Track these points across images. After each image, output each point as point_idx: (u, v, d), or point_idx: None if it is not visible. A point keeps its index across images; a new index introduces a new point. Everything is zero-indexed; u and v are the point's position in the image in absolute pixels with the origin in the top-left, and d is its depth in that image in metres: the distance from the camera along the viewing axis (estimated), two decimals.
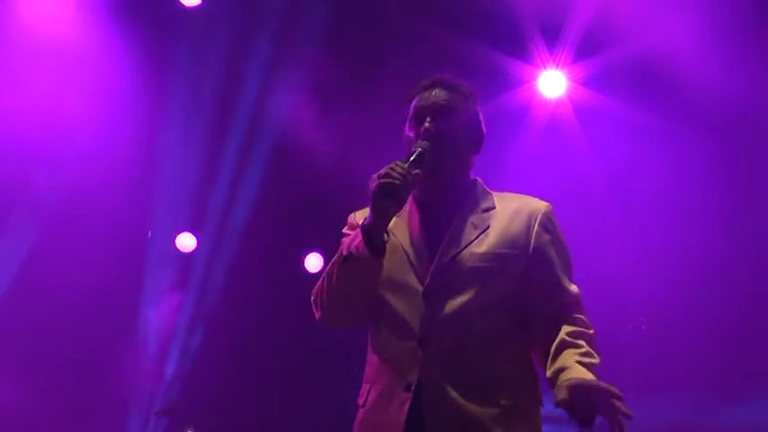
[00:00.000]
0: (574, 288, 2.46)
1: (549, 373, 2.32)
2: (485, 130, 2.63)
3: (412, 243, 2.48)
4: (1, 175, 5.86)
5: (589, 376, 2.23)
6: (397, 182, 2.31)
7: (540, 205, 2.53)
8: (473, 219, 2.49)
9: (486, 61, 5.92)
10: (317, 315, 2.54)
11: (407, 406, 2.32)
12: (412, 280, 2.43)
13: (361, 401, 2.48)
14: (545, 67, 6.10)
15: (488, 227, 2.47)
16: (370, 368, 2.49)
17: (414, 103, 2.56)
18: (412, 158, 2.39)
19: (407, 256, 2.46)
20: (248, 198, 6.50)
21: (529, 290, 2.43)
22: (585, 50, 6.02)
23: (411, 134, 2.54)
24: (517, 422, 2.36)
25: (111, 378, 6.44)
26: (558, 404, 2.23)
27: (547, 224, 2.49)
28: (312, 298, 2.54)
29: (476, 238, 2.45)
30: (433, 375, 2.33)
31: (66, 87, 5.73)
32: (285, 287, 6.43)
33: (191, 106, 6.21)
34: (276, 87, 6.23)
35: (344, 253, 2.39)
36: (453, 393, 2.32)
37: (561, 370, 2.26)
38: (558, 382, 2.24)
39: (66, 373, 6.26)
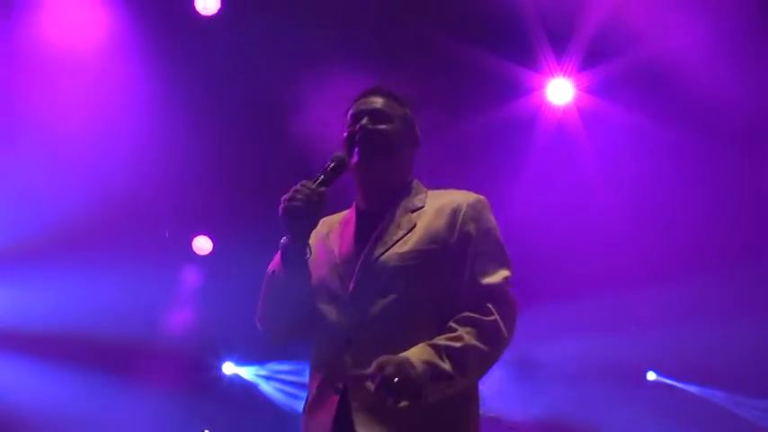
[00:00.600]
0: (492, 279, 2.40)
1: None
2: (419, 136, 2.66)
3: (341, 250, 2.50)
4: (32, 180, 6.05)
5: (415, 354, 2.23)
6: (299, 204, 2.36)
7: (466, 198, 2.51)
8: (401, 220, 2.50)
9: (495, 70, 6.05)
10: (262, 334, 2.60)
11: (335, 407, 2.33)
12: (338, 285, 2.45)
13: (302, 408, 2.52)
14: (553, 76, 6.24)
15: (414, 226, 2.47)
16: (309, 375, 2.53)
17: (351, 109, 2.63)
18: (321, 176, 2.44)
19: (336, 263, 2.48)
20: (268, 203, 6.63)
21: (453, 281, 2.41)
22: (593, 59, 6.14)
23: (345, 134, 2.59)
24: (445, 419, 2.33)
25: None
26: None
27: (472, 216, 2.46)
28: (256, 319, 2.59)
29: (400, 239, 2.45)
30: (359, 376, 2.30)
31: (90, 98, 5.90)
32: None
33: (209, 113, 6.34)
34: (297, 94, 6.31)
35: (269, 273, 2.48)
36: (374, 398, 2.25)
37: None
38: None
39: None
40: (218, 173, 6.65)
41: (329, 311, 2.44)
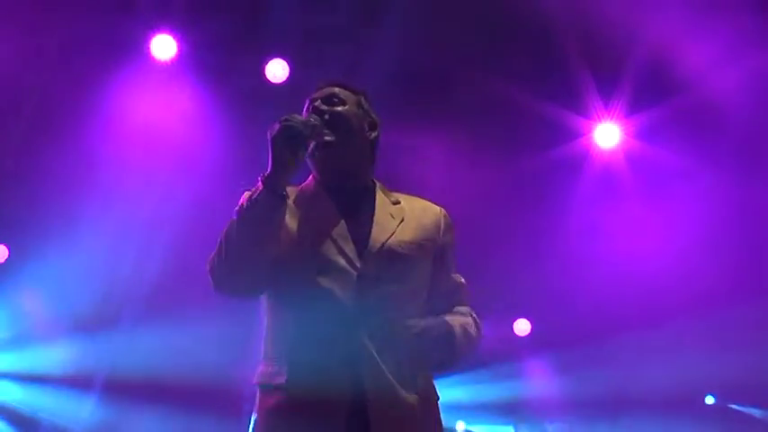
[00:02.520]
0: (463, 281, 2.65)
1: None
2: (378, 122, 2.64)
3: (332, 224, 2.44)
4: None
5: (439, 322, 2.43)
6: (299, 127, 2.32)
7: (440, 208, 2.65)
8: (389, 208, 2.55)
9: (545, 114, 6.36)
10: (214, 285, 2.41)
11: (349, 384, 2.30)
12: (342, 262, 2.39)
13: (274, 381, 2.37)
14: (600, 120, 6.54)
15: (403, 218, 2.53)
16: (285, 345, 2.39)
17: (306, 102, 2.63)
18: (310, 120, 2.42)
19: (331, 237, 2.42)
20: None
21: (434, 280, 2.55)
22: (639, 103, 6.41)
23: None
24: (431, 408, 2.45)
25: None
26: None
27: (450, 225, 2.63)
28: (208, 268, 2.41)
29: (397, 227, 2.50)
30: (372, 355, 2.32)
31: (176, 167, 6.49)
32: None
33: None
34: None
35: (240, 207, 2.34)
36: (387, 374, 2.33)
37: None
38: None
39: None
40: None
41: (330, 285, 2.36)
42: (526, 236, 7.06)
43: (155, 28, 6.07)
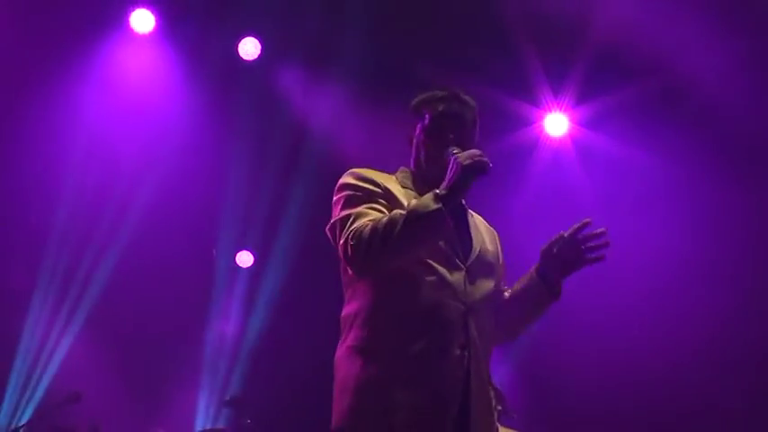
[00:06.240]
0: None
1: (522, 286, 2.81)
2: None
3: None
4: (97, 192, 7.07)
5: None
6: (491, 165, 2.58)
7: (495, 229, 2.97)
8: (473, 219, 2.87)
9: (497, 103, 6.59)
10: (360, 259, 2.55)
11: (464, 362, 2.58)
12: (454, 257, 2.67)
13: (388, 348, 2.56)
14: (550, 111, 6.94)
15: (481, 231, 2.85)
16: (400, 320, 2.58)
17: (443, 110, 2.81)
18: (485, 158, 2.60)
19: (445, 236, 2.65)
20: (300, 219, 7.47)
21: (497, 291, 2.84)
22: (587, 94, 6.77)
23: (449, 133, 2.77)
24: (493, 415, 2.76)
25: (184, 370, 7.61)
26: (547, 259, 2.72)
27: (502, 247, 2.96)
28: (352, 245, 2.54)
29: (483, 237, 2.83)
30: (477, 341, 2.63)
31: (148, 124, 6.93)
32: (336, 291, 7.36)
33: (253, 143, 7.27)
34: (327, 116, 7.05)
35: (414, 213, 2.51)
36: (484, 362, 2.68)
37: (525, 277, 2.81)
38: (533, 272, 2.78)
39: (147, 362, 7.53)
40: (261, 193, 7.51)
41: (447, 275, 2.63)
42: None
43: (134, 2, 6.44)
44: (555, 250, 2.71)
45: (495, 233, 2.95)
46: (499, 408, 5.90)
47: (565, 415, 6.98)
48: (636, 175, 6.95)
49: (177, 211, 7.32)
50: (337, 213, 2.67)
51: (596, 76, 6.53)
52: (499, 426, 5.87)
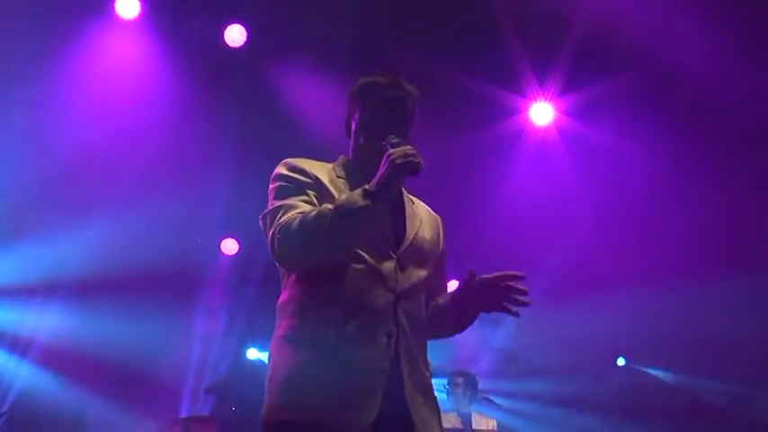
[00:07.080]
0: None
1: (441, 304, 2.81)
2: None
3: None
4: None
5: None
6: (421, 164, 2.54)
7: (438, 216, 2.95)
8: (411, 207, 2.82)
9: (483, 92, 6.74)
10: (283, 253, 2.54)
11: (392, 351, 2.56)
12: (385, 245, 2.65)
13: (314, 337, 2.54)
14: (535, 100, 7.00)
15: (421, 219, 2.82)
16: (327, 309, 2.56)
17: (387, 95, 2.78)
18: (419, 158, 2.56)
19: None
20: None
21: (430, 279, 2.80)
22: (572, 83, 6.82)
23: (373, 117, 2.74)
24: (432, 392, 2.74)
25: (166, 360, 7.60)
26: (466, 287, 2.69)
27: (444, 234, 2.93)
28: (279, 238, 2.52)
29: (419, 225, 2.78)
30: (407, 328, 2.62)
31: (132, 110, 6.89)
32: None
33: (239, 131, 7.25)
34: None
35: (341, 209, 2.48)
36: (417, 349, 2.65)
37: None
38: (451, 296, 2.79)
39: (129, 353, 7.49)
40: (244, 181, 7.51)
41: (375, 262, 2.60)
42: (464, 210, 7.42)
43: None
44: (475, 285, 2.69)
45: (439, 219, 2.94)
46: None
47: None
48: (621, 164, 7.02)
49: (160, 198, 7.30)
50: (270, 204, 2.66)
51: (582, 65, 6.56)
52: (473, 411, 6.05)
